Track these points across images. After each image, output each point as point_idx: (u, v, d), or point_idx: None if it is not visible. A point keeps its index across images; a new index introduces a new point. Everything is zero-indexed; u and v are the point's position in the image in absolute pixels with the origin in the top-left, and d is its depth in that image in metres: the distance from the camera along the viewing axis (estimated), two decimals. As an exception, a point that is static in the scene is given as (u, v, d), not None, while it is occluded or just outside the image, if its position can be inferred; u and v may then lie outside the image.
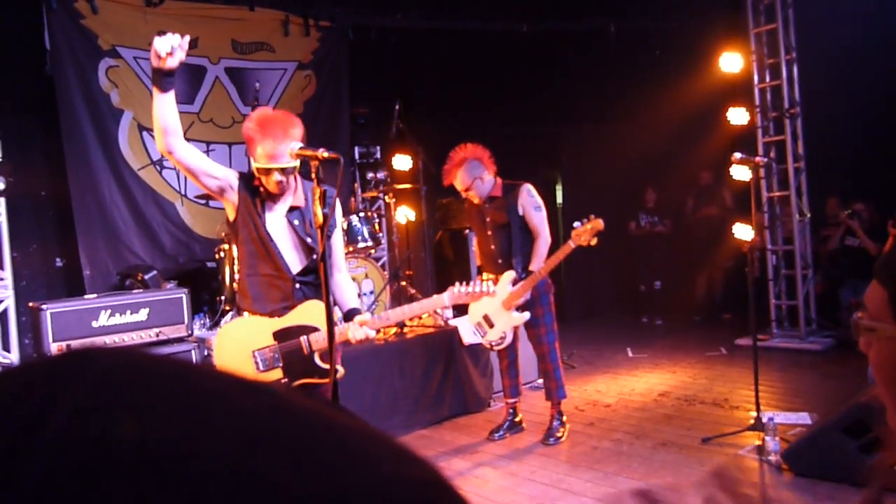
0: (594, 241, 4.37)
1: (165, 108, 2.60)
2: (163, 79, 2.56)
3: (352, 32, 7.61)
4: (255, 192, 2.82)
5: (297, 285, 2.82)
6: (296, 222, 2.84)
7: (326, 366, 2.73)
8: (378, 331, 5.36)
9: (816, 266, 7.41)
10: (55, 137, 5.93)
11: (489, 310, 4.62)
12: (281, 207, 2.84)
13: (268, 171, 2.71)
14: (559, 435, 4.68)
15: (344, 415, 0.33)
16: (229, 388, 0.31)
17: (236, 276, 2.99)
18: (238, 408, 0.29)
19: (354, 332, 2.79)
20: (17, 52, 5.96)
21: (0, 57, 5.71)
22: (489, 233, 4.66)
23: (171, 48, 2.47)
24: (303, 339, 2.78)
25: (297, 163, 2.71)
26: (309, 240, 2.82)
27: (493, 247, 4.66)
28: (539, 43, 8.41)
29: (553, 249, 4.58)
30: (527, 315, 4.58)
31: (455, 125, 8.00)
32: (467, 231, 5.90)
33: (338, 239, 2.98)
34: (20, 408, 0.27)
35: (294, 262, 2.83)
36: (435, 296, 3.07)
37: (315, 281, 2.87)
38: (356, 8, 7.63)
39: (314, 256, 2.83)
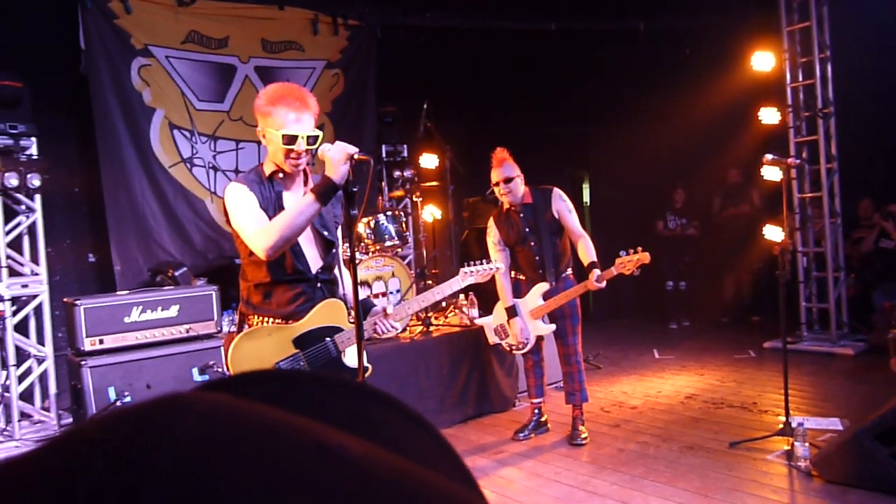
0: (637, 272, 4.39)
1: (311, 218, 2.49)
2: (332, 191, 2.44)
3: (380, 31, 7.64)
4: (269, 188, 2.62)
5: (319, 284, 2.72)
6: None
7: (355, 365, 2.72)
8: (405, 329, 5.43)
9: (848, 268, 7.29)
10: (89, 135, 6.04)
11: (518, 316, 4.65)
12: (295, 196, 2.66)
13: (291, 141, 2.50)
14: (584, 437, 4.67)
15: (436, 478, 0.33)
16: (312, 460, 0.30)
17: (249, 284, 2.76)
18: (315, 485, 0.30)
19: (382, 324, 2.76)
20: (53, 52, 6.08)
21: (36, 56, 5.83)
22: (531, 242, 4.59)
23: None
24: (328, 341, 2.70)
25: (320, 133, 2.55)
26: (326, 233, 2.71)
27: (535, 256, 4.60)
28: (568, 42, 8.37)
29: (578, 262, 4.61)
30: (553, 326, 4.63)
31: (483, 124, 8.02)
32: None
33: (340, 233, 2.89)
34: (131, 446, 0.28)
35: (314, 258, 2.71)
36: (450, 280, 3.05)
37: (333, 278, 2.81)
38: (385, 7, 7.66)
39: (333, 251, 2.76)
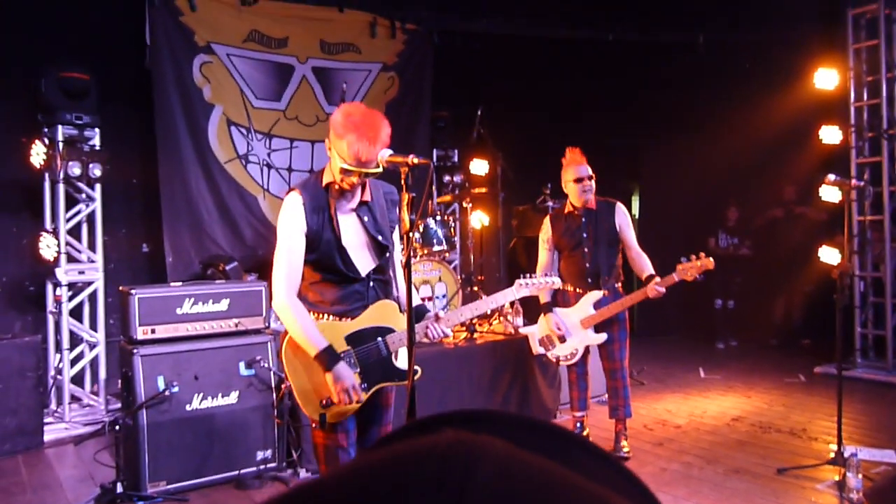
0: (700, 278, 4.34)
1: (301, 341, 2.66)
2: (325, 364, 2.61)
3: (437, 37, 7.66)
4: (323, 196, 2.70)
5: (371, 283, 2.77)
6: (365, 218, 2.75)
7: (404, 367, 2.72)
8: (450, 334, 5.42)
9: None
10: (149, 128, 6.19)
11: (565, 324, 4.59)
12: (350, 205, 2.75)
13: (347, 174, 2.61)
14: (626, 451, 4.60)
15: None
16: None
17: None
18: None
19: (433, 329, 2.77)
20: (119, 46, 6.26)
21: (103, 50, 6.01)
22: (585, 249, 4.53)
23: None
24: (379, 340, 2.74)
25: (379, 170, 2.63)
26: (380, 237, 2.75)
27: (586, 263, 4.54)
28: (625, 52, 8.28)
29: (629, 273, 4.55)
30: (604, 336, 4.55)
31: (535, 133, 7.97)
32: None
33: (398, 237, 2.90)
34: (442, 491, 0.31)
35: (366, 261, 2.75)
36: (504, 290, 3.04)
37: (386, 279, 2.85)
38: (442, 12, 7.68)
39: (387, 255, 2.80)
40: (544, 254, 4.66)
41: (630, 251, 4.57)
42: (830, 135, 6.79)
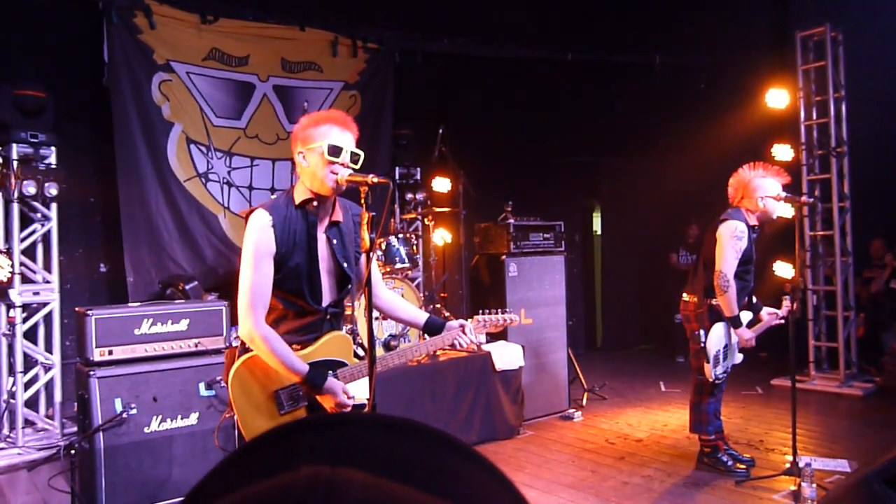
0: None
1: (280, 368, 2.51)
2: (312, 388, 2.51)
3: (398, 56, 7.72)
4: (297, 217, 2.54)
5: (328, 316, 2.63)
6: (335, 241, 2.61)
7: (355, 401, 2.63)
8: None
9: (858, 308, 7.25)
10: (107, 146, 6.10)
11: (729, 341, 4.51)
12: (322, 225, 2.60)
13: (335, 152, 2.44)
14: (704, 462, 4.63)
15: None
16: None
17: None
18: None
19: (460, 339, 2.73)
20: (76, 63, 6.17)
21: (61, 67, 5.93)
22: (752, 267, 4.56)
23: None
24: (329, 374, 2.56)
25: (362, 153, 2.52)
26: (345, 265, 2.61)
27: (749, 282, 4.53)
28: (583, 72, 8.44)
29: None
30: (742, 356, 4.56)
31: (497, 150, 8.06)
32: (504, 257, 5.90)
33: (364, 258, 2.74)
34: None
35: (328, 291, 2.62)
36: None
37: (341, 311, 2.73)
38: (404, 32, 7.75)
39: (348, 287, 2.67)
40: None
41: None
42: (782, 152, 7.00)
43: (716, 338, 4.42)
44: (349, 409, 2.54)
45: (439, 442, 0.41)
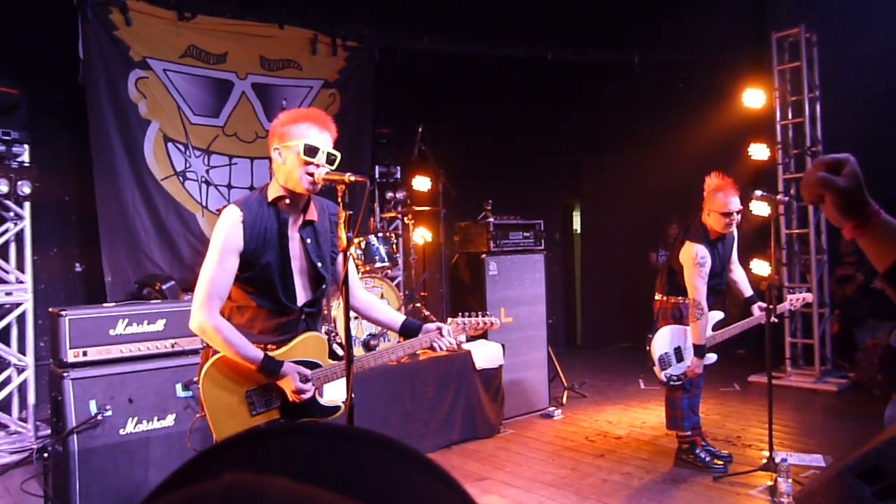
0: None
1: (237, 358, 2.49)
2: (269, 376, 2.50)
3: (378, 54, 7.69)
4: (269, 214, 2.51)
5: (303, 316, 2.61)
6: (308, 241, 2.58)
7: (328, 404, 2.64)
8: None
9: (833, 305, 7.35)
10: (83, 144, 6.02)
11: (684, 342, 4.54)
12: (295, 224, 2.57)
13: (312, 152, 2.42)
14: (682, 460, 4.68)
15: None
16: None
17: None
18: None
19: (439, 343, 2.72)
20: (51, 60, 6.09)
21: (34, 64, 5.83)
22: (723, 274, 4.61)
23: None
24: (286, 361, 2.54)
25: (338, 154, 2.49)
26: (319, 264, 2.59)
27: (720, 289, 4.57)
28: (563, 71, 8.47)
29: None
30: (715, 356, 4.61)
31: (477, 149, 8.06)
32: (483, 255, 5.90)
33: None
34: None
35: (302, 291, 2.59)
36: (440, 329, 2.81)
37: (317, 311, 2.70)
38: (384, 30, 7.72)
39: (323, 286, 2.64)
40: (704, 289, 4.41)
41: (736, 272, 4.77)
42: (759, 152, 7.08)
43: (660, 341, 4.52)
44: (309, 394, 2.53)
45: (380, 447, 0.41)
